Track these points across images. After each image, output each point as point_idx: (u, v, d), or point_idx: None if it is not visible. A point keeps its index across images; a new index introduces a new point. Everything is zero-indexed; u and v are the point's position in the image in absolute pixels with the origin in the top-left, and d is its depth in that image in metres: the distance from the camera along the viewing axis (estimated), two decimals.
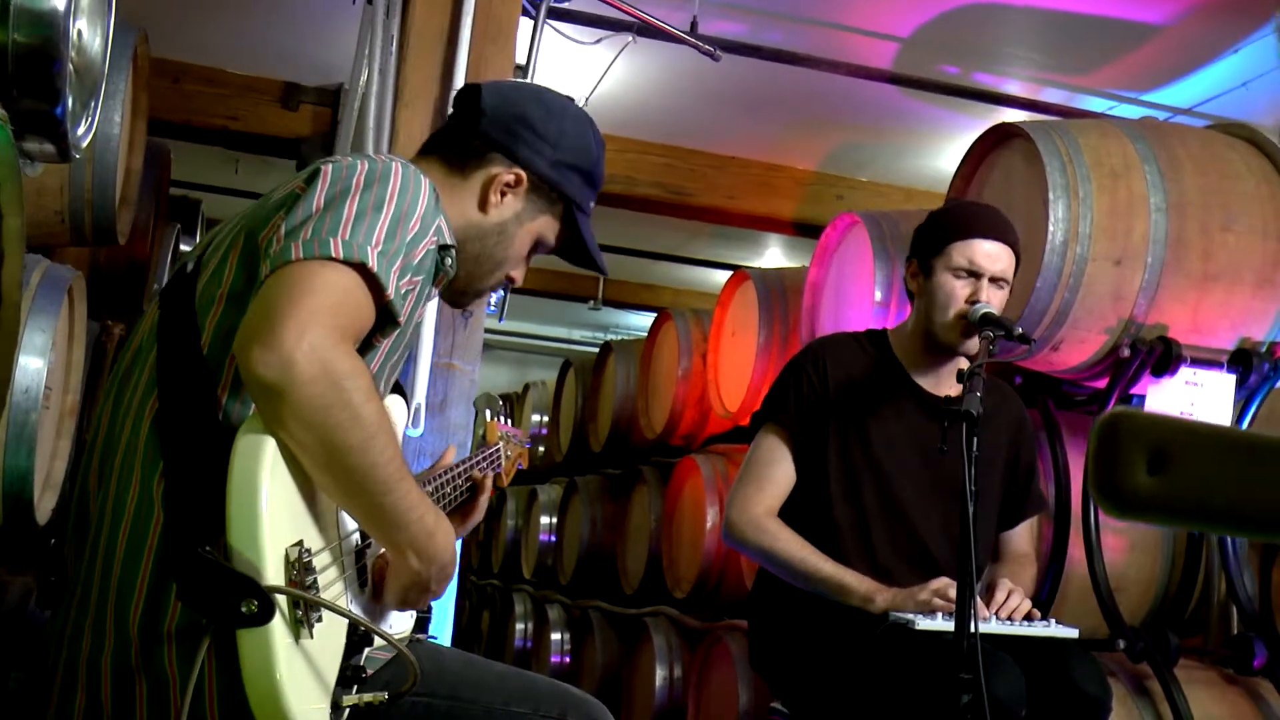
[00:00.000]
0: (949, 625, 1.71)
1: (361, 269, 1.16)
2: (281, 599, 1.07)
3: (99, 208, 2.28)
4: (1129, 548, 2.71)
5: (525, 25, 2.69)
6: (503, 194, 1.40)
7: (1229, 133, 2.69)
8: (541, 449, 5.62)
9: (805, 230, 4.51)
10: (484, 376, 2.54)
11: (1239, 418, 2.50)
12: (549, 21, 2.81)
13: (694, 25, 3.11)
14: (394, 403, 1.39)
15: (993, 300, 1.99)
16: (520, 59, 2.71)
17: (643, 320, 7.11)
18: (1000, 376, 2.45)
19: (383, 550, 1.29)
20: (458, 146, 1.42)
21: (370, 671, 1.22)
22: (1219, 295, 2.46)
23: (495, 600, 6.06)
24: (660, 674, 3.84)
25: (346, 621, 1.18)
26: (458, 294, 1.46)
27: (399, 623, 1.41)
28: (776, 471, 2.05)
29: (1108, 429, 0.40)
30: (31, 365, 1.94)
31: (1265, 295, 2.49)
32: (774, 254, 5.94)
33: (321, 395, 1.08)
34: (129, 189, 2.52)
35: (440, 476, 1.43)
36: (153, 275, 3.22)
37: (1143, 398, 2.47)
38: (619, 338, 5.56)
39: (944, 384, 2.07)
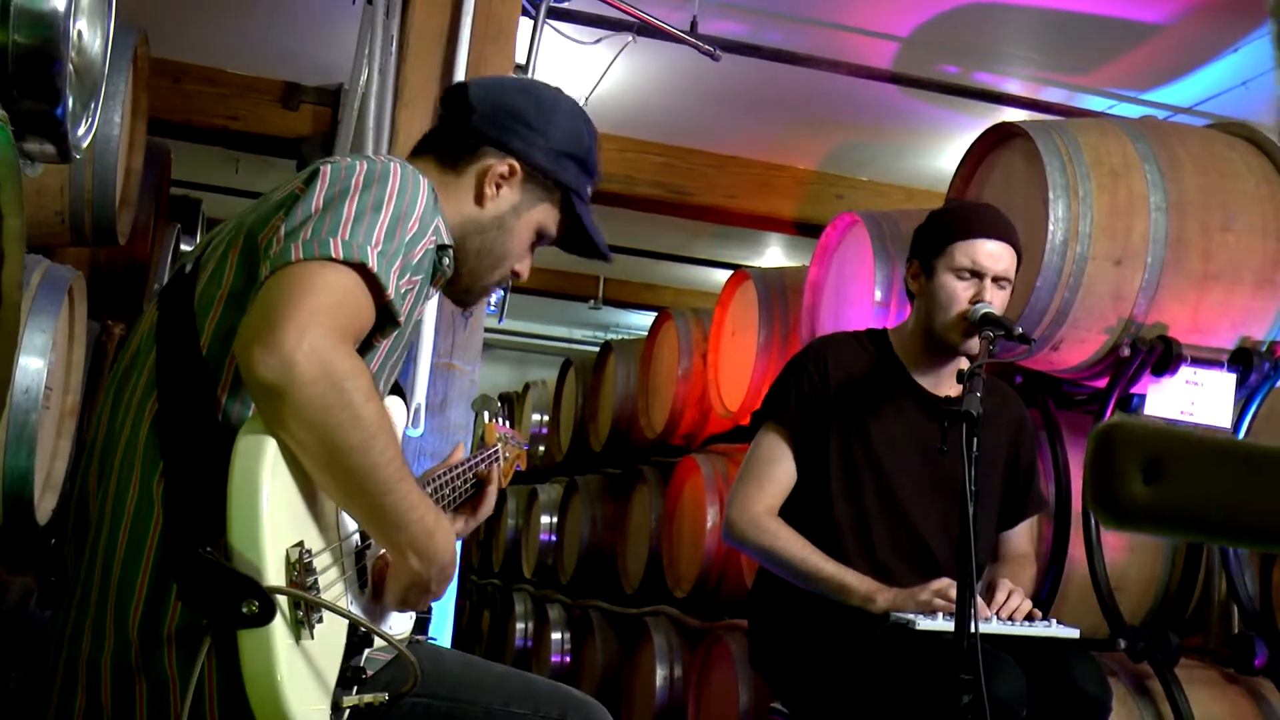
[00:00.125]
0: (949, 625, 1.71)
1: (361, 269, 1.16)
2: (282, 599, 1.07)
3: (99, 208, 2.28)
4: (1129, 547, 2.71)
5: (525, 25, 2.69)
6: (498, 186, 1.40)
7: (1229, 132, 2.69)
8: (542, 448, 5.62)
9: (805, 230, 4.51)
10: (484, 376, 2.54)
11: (1239, 417, 2.50)
12: (549, 21, 2.81)
13: (694, 25, 3.11)
14: (393, 403, 1.39)
15: (995, 300, 1.99)
16: (520, 59, 2.71)
17: (643, 320, 7.11)
18: (1000, 376, 2.45)
19: (383, 551, 1.29)
20: (449, 144, 1.42)
21: (370, 672, 1.22)
22: (1219, 295, 2.46)
23: (496, 600, 6.06)
24: (660, 673, 3.84)
25: (347, 622, 1.18)
26: (463, 291, 1.45)
27: (399, 624, 1.41)
28: (777, 470, 2.05)
29: (1103, 439, 0.40)
30: (32, 365, 1.94)
31: (1265, 295, 2.49)
32: (774, 253, 5.94)
33: (322, 396, 1.08)
34: (129, 189, 2.52)
35: (440, 477, 1.43)
36: (153, 275, 3.22)
37: (1143, 397, 2.47)
38: (619, 337, 5.56)
39: (944, 384, 2.07)
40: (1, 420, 1.86)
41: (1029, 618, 1.91)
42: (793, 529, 2.00)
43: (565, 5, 2.99)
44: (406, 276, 1.22)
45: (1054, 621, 1.92)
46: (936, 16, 3.35)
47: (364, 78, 2.67)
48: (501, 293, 2.56)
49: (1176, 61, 3.49)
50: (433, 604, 1.35)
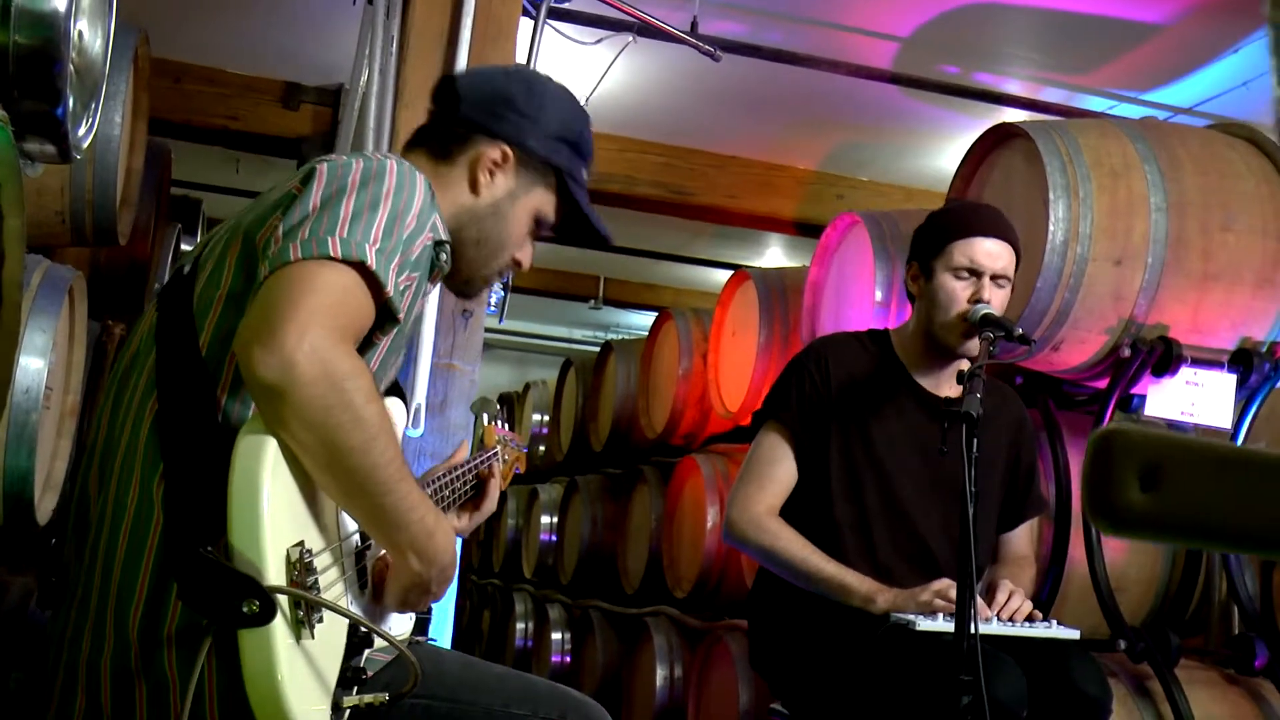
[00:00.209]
0: (950, 626, 1.71)
1: (360, 267, 1.16)
2: (282, 599, 1.07)
3: (100, 208, 2.28)
4: (1129, 548, 2.71)
5: (525, 25, 2.69)
6: (491, 173, 1.39)
7: (1229, 132, 2.69)
8: (542, 448, 5.62)
9: (806, 230, 4.51)
10: (485, 376, 2.54)
11: (1240, 418, 2.50)
12: (549, 21, 2.81)
13: (694, 25, 3.11)
14: (394, 404, 1.39)
15: (994, 299, 1.99)
16: (520, 59, 2.71)
17: (643, 320, 7.11)
18: (1001, 377, 2.45)
19: (383, 552, 1.29)
20: (441, 136, 1.42)
21: (370, 673, 1.22)
22: (1219, 295, 2.46)
23: (496, 600, 6.06)
24: (661, 674, 3.84)
25: (347, 622, 1.18)
26: (464, 283, 1.44)
27: (399, 625, 1.41)
28: (778, 470, 2.05)
29: (1101, 446, 0.40)
30: (32, 365, 1.94)
31: (1266, 295, 2.49)
32: (774, 253, 5.94)
33: (322, 396, 1.08)
34: (130, 189, 2.52)
35: (441, 478, 1.43)
36: (153, 275, 3.22)
37: (1143, 398, 2.47)
38: (620, 337, 5.56)
39: (945, 385, 2.07)
40: (2, 420, 1.86)
41: (1029, 619, 1.91)
42: (793, 529, 2.00)
43: (566, 5, 2.99)
44: (405, 273, 1.21)
45: (1054, 622, 1.92)
46: (937, 17, 3.35)
47: (364, 78, 2.67)
48: (502, 293, 2.56)
49: (1177, 62, 3.49)
50: (433, 605, 1.35)
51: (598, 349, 4.91)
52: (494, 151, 1.39)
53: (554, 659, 4.80)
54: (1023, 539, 2.18)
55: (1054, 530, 2.58)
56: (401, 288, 1.21)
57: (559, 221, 1.47)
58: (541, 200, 1.43)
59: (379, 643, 1.23)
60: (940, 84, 3.62)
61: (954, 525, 1.91)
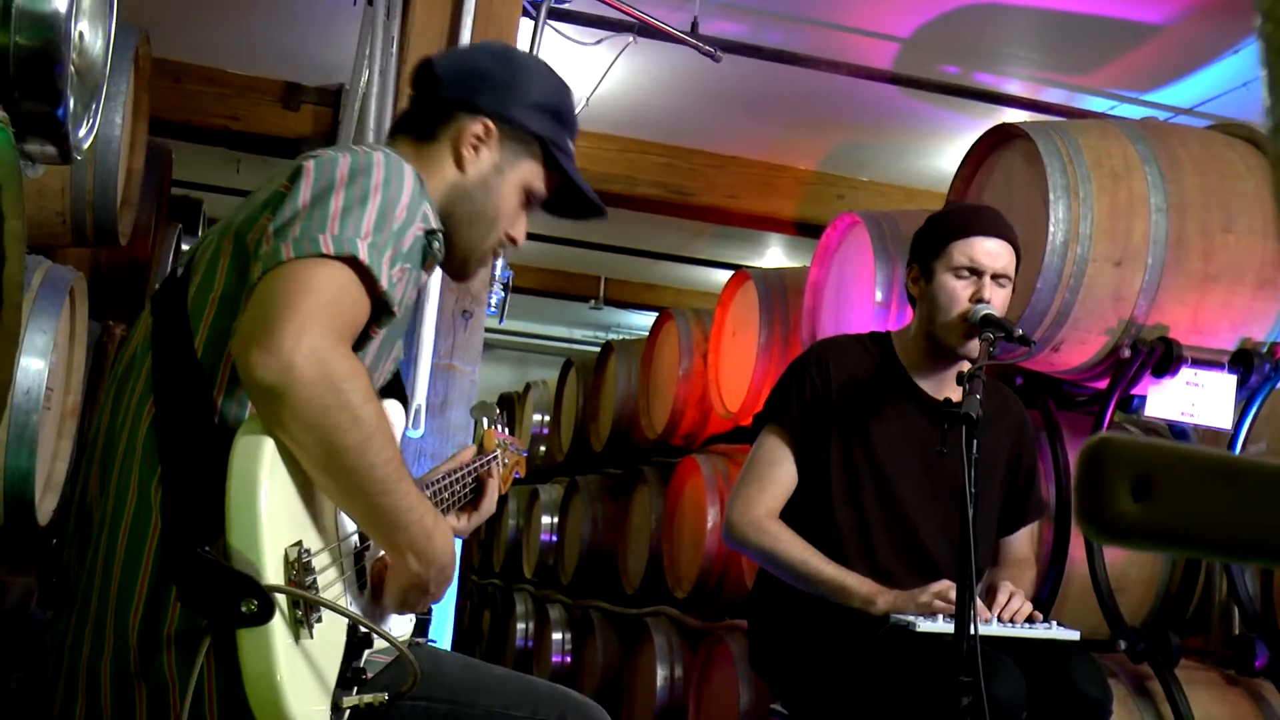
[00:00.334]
0: (950, 627, 1.71)
1: (353, 262, 1.16)
2: (281, 599, 1.07)
3: (100, 209, 2.28)
4: None
5: (526, 26, 2.69)
6: (475, 148, 1.39)
7: (1229, 133, 2.69)
8: (543, 448, 5.62)
9: (806, 230, 4.51)
10: (485, 376, 2.54)
11: (1240, 418, 2.50)
12: (549, 22, 2.81)
13: (694, 26, 3.11)
14: (393, 407, 1.39)
15: (995, 299, 1.99)
16: None
17: (644, 320, 7.11)
18: (1001, 377, 2.45)
19: (382, 553, 1.29)
20: (423, 117, 1.41)
21: (370, 674, 1.22)
22: (1219, 295, 2.46)
23: (496, 600, 6.06)
24: (661, 674, 3.84)
25: (346, 623, 1.18)
26: (460, 263, 1.43)
27: (398, 626, 1.41)
28: (778, 473, 2.05)
29: (1091, 455, 0.40)
30: (33, 366, 1.94)
31: (1266, 295, 2.49)
32: (775, 253, 5.94)
33: (320, 397, 1.09)
34: (130, 190, 2.52)
35: (440, 480, 1.43)
36: (154, 276, 3.22)
37: (1144, 398, 2.47)
38: (620, 337, 5.56)
39: (946, 387, 2.07)
40: (2, 421, 1.86)
41: (1029, 620, 1.91)
42: (793, 532, 2.00)
43: (566, 6, 2.99)
44: (398, 265, 1.21)
45: (1054, 623, 1.92)
46: (937, 17, 3.35)
47: (365, 78, 2.67)
48: (502, 293, 2.56)
49: (1177, 62, 3.49)
50: (432, 605, 1.35)
51: (598, 349, 4.91)
52: (476, 126, 1.38)
53: (554, 659, 4.80)
54: (1023, 542, 2.18)
55: (1054, 530, 2.58)
56: (395, 280, 1.20)
57: (550, 194, 1.46)
58: (529, 172, 1.42)
59: (378, 644, 1.24)
60: (940, 84, 3.62)
61: (954, 527, 1.91)
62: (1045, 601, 2.53)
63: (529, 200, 1.44)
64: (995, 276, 2.00)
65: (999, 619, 1.89)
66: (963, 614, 1.59)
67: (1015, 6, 3.27)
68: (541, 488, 5.46)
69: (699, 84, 3.77)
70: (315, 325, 1.10)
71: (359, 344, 1.22)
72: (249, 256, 1.20)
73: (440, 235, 1.31)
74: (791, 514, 2.04)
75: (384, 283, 1.18)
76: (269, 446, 1.09)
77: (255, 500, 1.07)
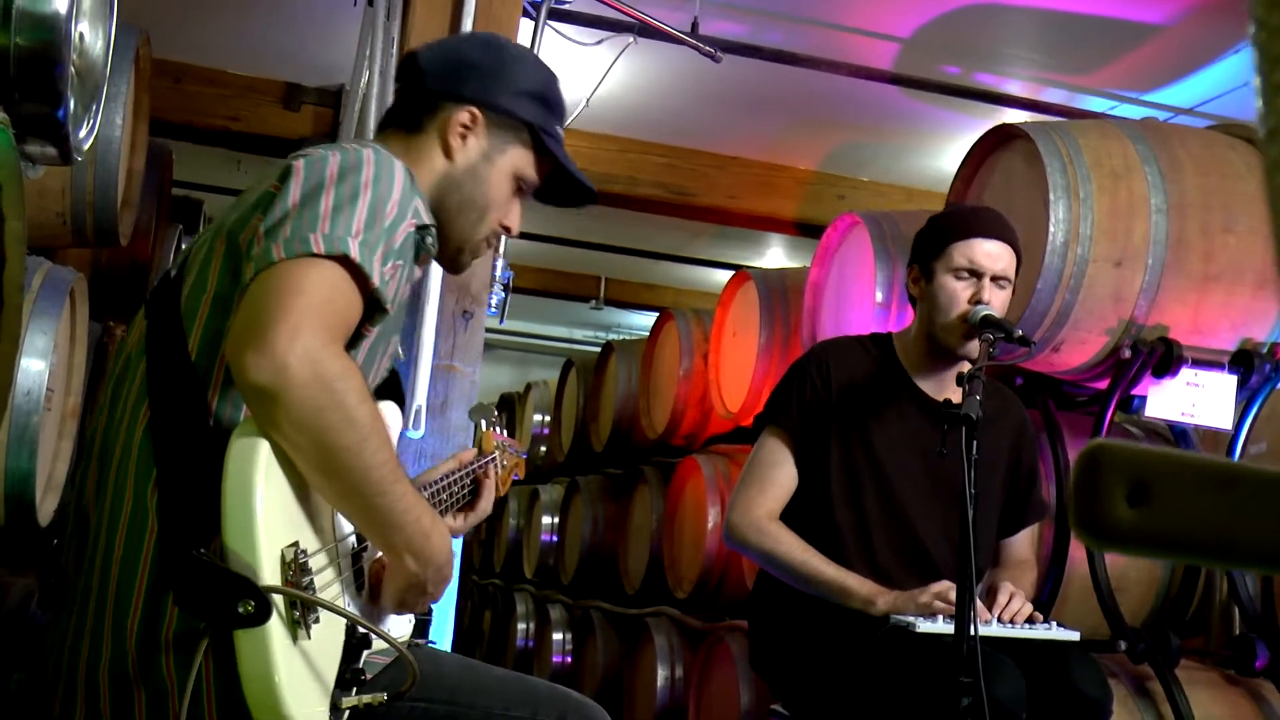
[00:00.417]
0: (950, 628, 1.71)
1: (344, 261, 1.15)
2: (278, 600, 1.07)
3: (101, 209, 2.29)
4: None
5: (526, 26, 2.70)
6: (463, 136, 1.38)
7: (1230, 133, 2.69)
8: (543, 449, 5.62)
9: (806, 230, 4.51)
10: (486, 376, 2.54)
11: (1240, 419, 2.50)
12: (549, 23, 2.81)
13: (695, 26, 3.11)
14: (388, 408, 1.39)
15: (995, 300, 1.99)
16: None
17: (644, 320, 7.10)
18: (1001, 378, 2.45)
19: (380, 553, 1.29)
20: (409, 111, 1.41)
21: (369, 675, 1.22)
22: (1220, 296, 2.46)
23: (497, 600, 6.07)
24: (661, 674, 3.84)
25: (344, 624, 1.18)
26: (455, 253, 1.43)
27: (397, 626, 1.41)
28: (778, 474, 2.06)
29: (1088, 461, 0.40)
30: (33, 367, 1.94)
31: (1266, 296, 2.49)
32: (775, 254, 5.94)
33: (314, 398, 1.08)
34: (131, 190, 2.53)
35: (438, 482, 1.43)
36: (155, 277, 3.22)
37: (1144, 399, 2.47)
38: (620, 337, 5.56)
39: (946, 388, 2.07)
40: (3, 422, 1.86)
41: (1029, 620, 1.91)
42: (793, 533, 2.00)
43: (566, 7, 2.99)
44: (390, 263, 1.21)
45: (1054, 624, 1.92)
46: (937, 17, 3.35)
47: (365, 79, 2.67)
48: (503, 294, 2.56)
49: (1178, 62, 3.49)
50: (432, 606, 1.35)
51: (599, 349, 4.91)
52: (462, 114, 1.38)
53: (555, 659, 4.80)
54: (1024, 544, 2.18)
55: (1054, 531, 2.58)
56: (387, 277, 1.20)
57: (543, 180, 1.46)
58: (519, 158, 1.41)
59: (377, 644, 1.24)
60: (941, 84, 3.62)
61: (954, 528, 1.91)
62: (1045, 602, 2.53)
63: (520, 187, 1.43)
64: (995, 278, 2.00)
65: (999, 619, 1.89)
66: (963, 614, 1.59)
67: (1015, 7, 3.27)
68: (542, 488, 5.46)
69: (699, 84, 3.77)
70: (308, 326, 1.10)
71: (352, 343, 1.21)
72: (241, 257, 1.19)
73: (433, 230, 1.31)
74: (792, 515, 2.04)
75: (376, 280, 1.18)
76: (264, 448, 1.09)
77: (251, 501, 1.07)
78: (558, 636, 4.84)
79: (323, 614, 1.13)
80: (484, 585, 6.48)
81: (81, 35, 1.55)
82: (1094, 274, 2.39)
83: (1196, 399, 2.44)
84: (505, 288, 2.52)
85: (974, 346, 1.96)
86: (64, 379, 2.27)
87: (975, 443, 1.64)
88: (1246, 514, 0.37)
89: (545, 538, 5.32)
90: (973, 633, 1.57)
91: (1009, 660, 1.79)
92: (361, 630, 1.20)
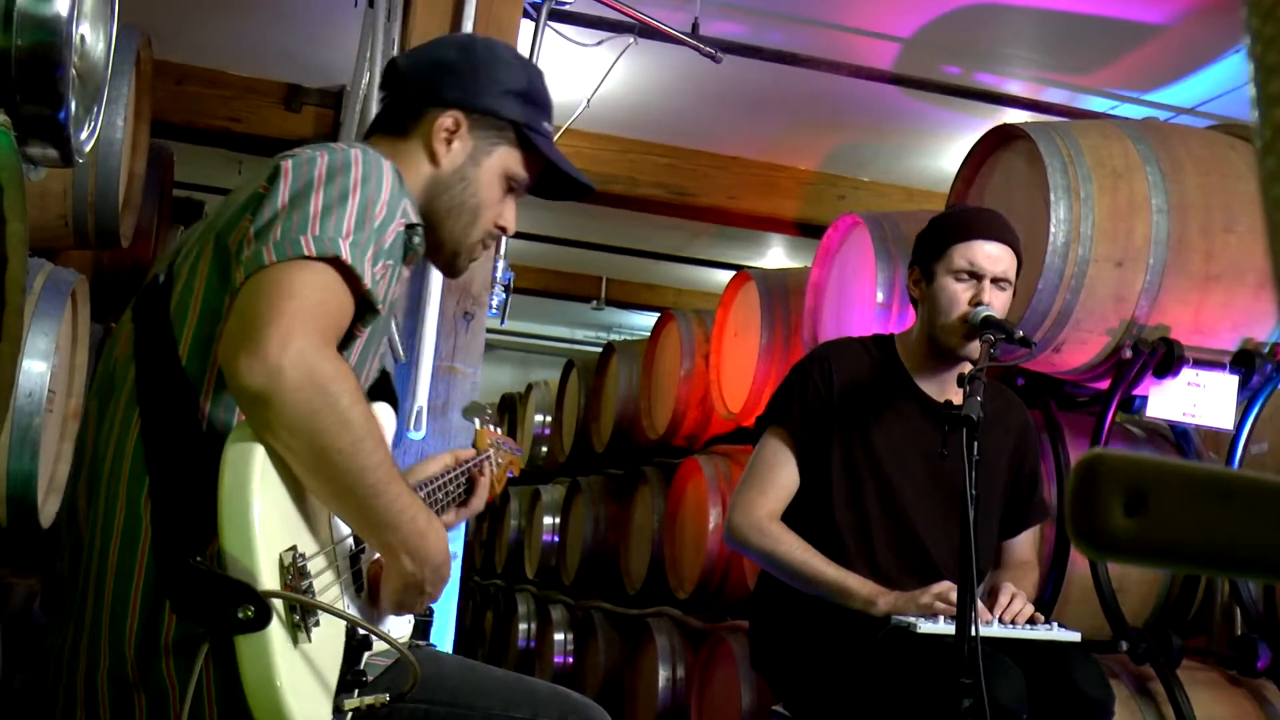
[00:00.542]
0: (951, 629, 1.71)
1: (335, 262, 1.15)
2: (278, 604, 1.07)
3: (102, 211, 2.29)
4: None
5: (526, 27, 2.70)
6: (448, 141, 1.38)
7: (1231, 133, 2.69)
8: (544, 449, 5.62)
9: (807, 230, 4.51)
10: (487, 377, 2.54)
11: (1242, 419, 2.49)
12: (550, 23, 2.81)
13: (695, 27, 3.11)
14: (383, 410, 1.39)
15: (995, 302, 1.99)
16: None
17: (645, 320, 7.11)
18: (1002, 378, 2.45)
19: (378, 555, 1.29)
20: (393, 118, 1.41)
21: (370, 677, 1.22)
22: (1221, 296, 2.46)
23: (498, 600, 6.07)
24: (663, 674, 3.84)
25: (344, 626, 1.18)
26: (451, 256, 1.42)
27: (396, 628, 1.41)
28: (780, 475, 2.06)
29: (1084, 471, 0.40)
30: (35, 369, 1.95)
31: (1268, 296, 2.49)
32: (776, 254, 5.94)
33: (308, 401, 1.08)
34: (132, 192, 2.53)
35: (433, 481, 1.43)
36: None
37: (1145, 399, 2.47)
38: (622, 338, 5.56)
39: (948, 389, 2.07)
40: (5, 424, 1.86)
41: (1030, 621, 1.91)
42: (795, 533, 2.00)
43: (566, 8, 2.99)
44: (380, 263, 1.20)
45: (1055, 625, 1.92)
46: (938, 17, 3.35)
47: (365, 80, 2.68)
48: (504, 294, 2.56)
49: (1179, 62, 3.49)
50: (431, 606, 1.35)
51: (600, 350, 4.91)
52: (445, 119, 1.38)
53: (556, 660, 4.80)
54: (1025, 545, 2.18)
55: (1056, 531, 2.58)
56: (378, 277, 1.20)
57: (534, 177, 1.45)
58: (507, 158, 1.41)
59: (378, 646, 1.24)
60: (941, 85, 3.62)
61: (954, 529, 1.91)
62: (1047, 602, 2.53)
63: (512, 187, 1.43)
64: (995, 280, 2.00)
65: (1000, 620, 1.89)
66: (964, 615, 1.59)
67: (1016, 7, 3.27)
68: (543, 488, 5.46)
69: (700, 85, 3.77)
70: (300, 329, 1.09)
71: (344, 344, 1.21)
72: (230, 259, 1.19)
73: (420, 230, 1.31)
74: (793, 516, 2.05)
75: (367, 281, 1.18)
76: (259, 452, 1.09)
77: (248, 506, 1.07)
78: (559, 637, 4.84)
79: (323, 617, 1.12)
80: (486, 586, 6.48)
81: (83, 37, 1.55)
82: (1095, 274, 2.39)
83: (1198, 399, 2.44)
84: (506, 289, 2.53)
85: (975, 347, 1.97)
86: (65, 380, 2.27)
87: (976, 444, 1.64)
88: (1244, 524, 0.37)
89: (547, 538, 5.32)
90: (974, 633, 1.57)
91: (1010, 661, 1.79)
92: (362, 632, 1.20)
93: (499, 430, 1.68)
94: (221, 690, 1.11)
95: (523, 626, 5.43)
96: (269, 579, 1.07)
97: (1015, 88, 3.74)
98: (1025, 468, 2.15)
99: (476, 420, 1.65)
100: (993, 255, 2.00)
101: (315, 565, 1.15)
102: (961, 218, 2.10)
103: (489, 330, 2.56)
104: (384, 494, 1.16)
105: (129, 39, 2.26)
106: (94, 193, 2.25)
